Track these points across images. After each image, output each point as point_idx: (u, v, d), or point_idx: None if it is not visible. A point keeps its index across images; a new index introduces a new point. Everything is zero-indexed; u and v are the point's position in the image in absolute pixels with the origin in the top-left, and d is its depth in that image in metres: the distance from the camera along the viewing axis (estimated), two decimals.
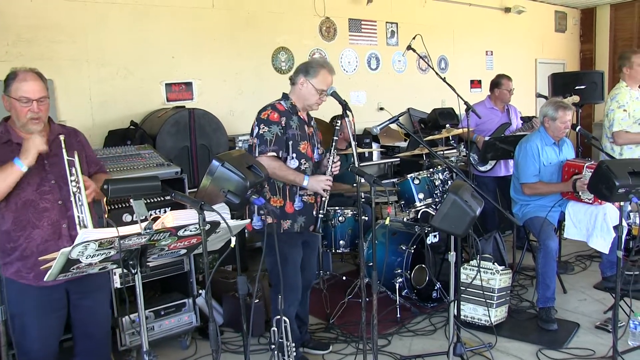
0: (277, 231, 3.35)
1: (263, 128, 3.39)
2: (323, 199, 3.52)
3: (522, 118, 6.03)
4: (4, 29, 4.70)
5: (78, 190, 2.56)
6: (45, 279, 2.14)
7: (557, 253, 4.30)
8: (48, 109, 2.70)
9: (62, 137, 2.68)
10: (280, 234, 3.38)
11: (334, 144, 3.54)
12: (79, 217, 2.53)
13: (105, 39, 5.30)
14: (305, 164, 3.50)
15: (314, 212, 3.57)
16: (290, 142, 3.44)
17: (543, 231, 4.20)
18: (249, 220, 3.31)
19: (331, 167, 3.52)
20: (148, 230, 2.10)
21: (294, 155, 3.45)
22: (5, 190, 2.55)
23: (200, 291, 4.14)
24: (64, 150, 2.64)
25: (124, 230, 2.08)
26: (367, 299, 3.19)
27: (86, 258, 2.10)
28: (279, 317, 3.10)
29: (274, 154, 3.36)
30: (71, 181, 2.57)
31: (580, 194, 4.15)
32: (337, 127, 3.62)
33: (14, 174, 2.52)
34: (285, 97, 3.57)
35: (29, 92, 2.59)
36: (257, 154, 3.36)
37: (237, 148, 5.33)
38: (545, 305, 4.14)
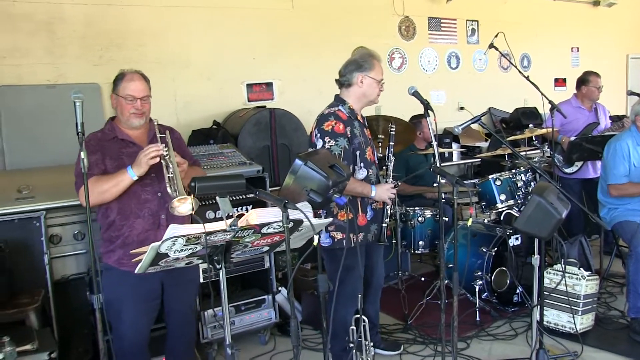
0: (348, 246, 3.26)
1: (329, 142, 3.24)
2: (387, 207, 3.45)
3: (611, 117, 5.76)
4: (97, 35, 4.95)
5: (170, 165, 2.69)
6: (135, 272, 2.25)
7: None
8: (150, 107, 2.93)
9: (161, 134, 2.87)
10: (349, 249, 3.23)
11: (392, 149, 3.47)
12: (173, 188, 2.62)
13: (189, 42, 5.48)
14: (371, 171, 3.43)
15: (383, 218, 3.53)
16: (358, 152, 3.34)
17: (634, 237, 3.99)
18: (330, 219, 3.28)
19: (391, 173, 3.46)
20: (233, 227, 2.16)
21: (362, 164, 3.37)
22: (118, 193, 2.77)
23: (279, 288, 4.21)
24: (157, 132, 2.85)
25: (210, 226, 2.15)
26: (447, 301, 3.14)
27: (174, 253, 2.18)
28: (357, 316, 3.11)
29: None
30: (164, 156, 2.71)
31: None
32: (392, 132, 3.56)
33: (125, 181, 2.74)
34: (340, 101, 3.42)
35: (135, 90, 2.85)
36: None
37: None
38: (637, 315, 3.93)
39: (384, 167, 3.56)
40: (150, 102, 2.94)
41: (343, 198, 2.61)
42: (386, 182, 3.47)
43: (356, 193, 3.33)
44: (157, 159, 2.71)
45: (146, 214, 2.85)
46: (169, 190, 2.62)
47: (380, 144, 3.73)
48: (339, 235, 3.35)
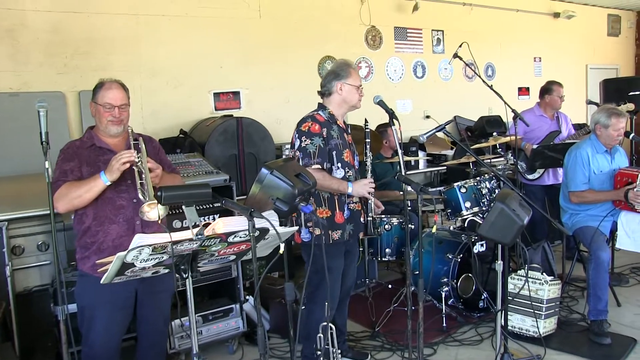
0: (326, 242, 3.37)
1: (305, 141, 3.38)
2: (369, 202, 3.54)
3: (574, 125, 5.91)
4: (63, 43, 4.90)
5: (143, 171, 2.71)
6: (102, 282, 2.23)
7: (609, 264, 4.18)
8: (128, 116, 2.97)
9: (135, 140, 2.89)
10: (328, 246, 3.38)
11: (368, 146, 3.56)
12: (144, 194, 2.66)
13: (156, 50, 5.45)
14: (349, 172, 3.51)
15: (361, 219, 3.58)
16: (334, 152, 3.44)
17: (594, 241, 4.09)
18: (297, 227, 3.34)
19: (370, 170, 3.55)
20: (199, 236, 2.16)
21: (339, 164, 3.46)
22: (91, 198, 2.77)
23: (247, 297, 4.20)
24: (130, 139, 2.88)
25: (176, 235, 2.15)
26: (414, 308, 3.18)
27: (140, 262, 2.18)
28: (324, 323, 3.12)
29: (319, 166, 3.35)
30: (136, 163, 2.72)
31: (634, 205, 4.03)
32: (367, 130, 3.64)
33: (98, 186, 2.73)
34: (322, 107, 3.56)
35: (112, 99, 2.88)
36: None
37: (284, 156, 5.38)
38: (597, 318, 4.03)
39: (365, 162, 3.63)
40: (128, 111, 2.97)
41: (309, 206, 2.63)
42: (365, 177, 3.54)
43: (333, 190, 3.42)
44: (128, 165, 2.72)
45: (121, 219, 2.85)
46: (140, 195, 2.66)
47: None
48: (317, 231, 3.39)
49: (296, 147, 3.42)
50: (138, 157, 2.73)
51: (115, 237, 2.83)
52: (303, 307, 3.99)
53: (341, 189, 3.42)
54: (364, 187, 3.45)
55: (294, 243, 3.57)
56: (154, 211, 2.57)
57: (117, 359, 2.99)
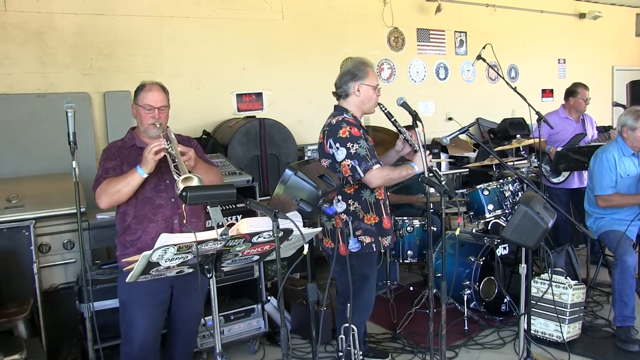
0: (378, 250, 3.36)
1: (353, 147, 3.20)
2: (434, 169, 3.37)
3: (598, 128, 5.83)
4: (87, 45, 4.98)
5: (175, 157, 2.75)
6: (127, 280, 2.26)
7: (635, 269, 4.11)
8: (167, 117, 3.03)
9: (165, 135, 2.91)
10: (371, 254, 3.37)
11: (397, 123, 3.44)
12: (178, 174, 2.69)
13: (179, 52, 5.50)
14: None
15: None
16: None
17: (620, 246, 4.03)
18: (319, 229, 3.30)
19: (419, 142, 3.33)
20: (224, 236, 2.17)
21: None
22: (130, 193, 2.84)
23: (269, 297, 4.21)
24: (160, 132, 2.91)
25: (201, 235, 2.17)
26: (435, 310, 3.16)
27: (165, 261, 2.20)
28: (346, 325, 3.12)
29: (378, 165, 3.22)
30: (167, 149, 2.77)
31: None
32: (385, 111, 3.46)
33: (135, 179, 2.80)
34: (342, 109, 3.42)
35: (152, 100, 2.96)
36: (362, 174, 3.19)
37: (306, 158, 5.40)
38: (623, 324, 3.96)
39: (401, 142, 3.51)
40: (167, 113, 3.03)
41: (333, 208, 2.64)
42: (415, 151, 3.39)
43: (403, 177, 3.29)
44: (162, 154, 2.76)
45: (160, 218, 2.92)
46: (175, 177, 2.68)
47: None
48: (367, 239, 3.34)
49: (344, 156, 3.22)
50: (168, 145, 2.78)
51: (154, 235, 2.86)
52: (324, 309, 4.03)
53: (410, 173, 3.26)
54: (423, 160, 3.23)
55: (315, 241, 3.52)
56: (189, 185, 2.58)
57: (155, 354, 3.05)
